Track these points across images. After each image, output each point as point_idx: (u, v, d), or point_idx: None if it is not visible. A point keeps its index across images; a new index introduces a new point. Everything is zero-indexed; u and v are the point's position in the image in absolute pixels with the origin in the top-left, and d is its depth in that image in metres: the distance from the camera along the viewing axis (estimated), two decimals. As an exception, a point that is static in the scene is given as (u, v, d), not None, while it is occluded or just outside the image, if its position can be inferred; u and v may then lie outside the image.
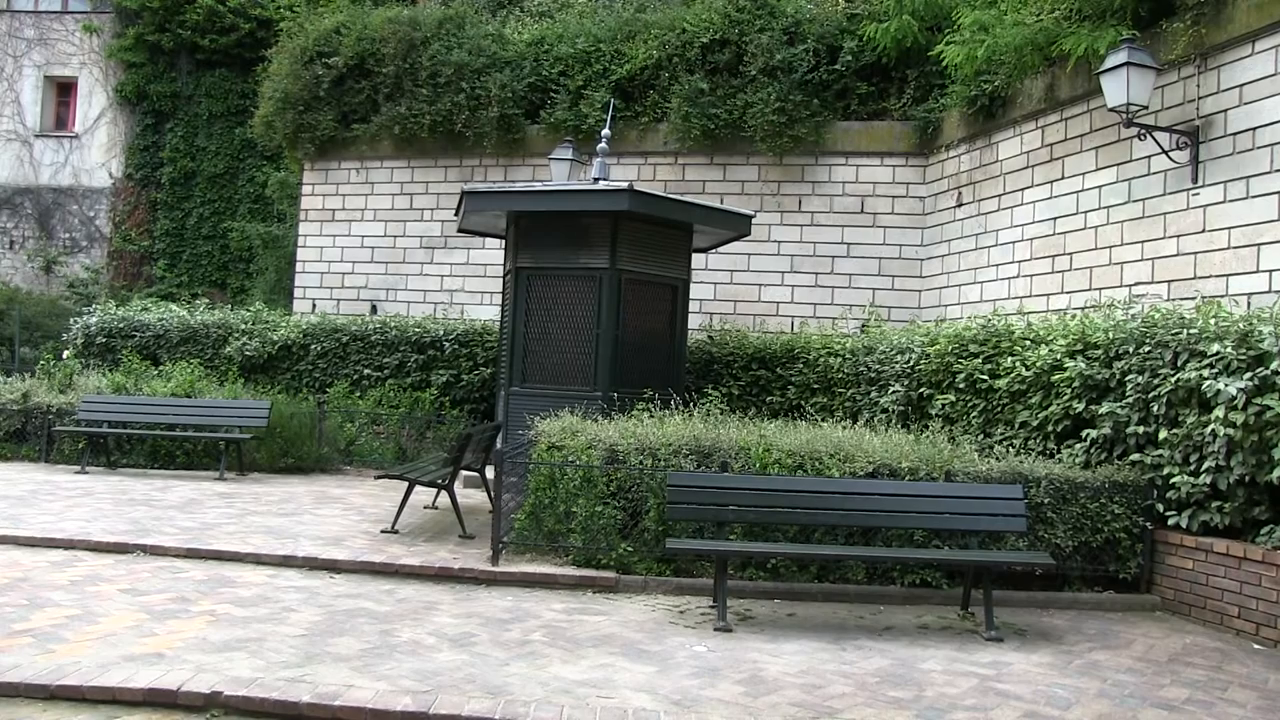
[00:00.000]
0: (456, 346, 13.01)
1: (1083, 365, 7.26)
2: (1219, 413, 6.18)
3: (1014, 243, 11.05)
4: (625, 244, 9.65)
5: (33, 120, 24.23)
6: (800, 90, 12.98)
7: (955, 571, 6.86)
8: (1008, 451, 7.49)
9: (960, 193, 12.19)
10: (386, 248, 15.40)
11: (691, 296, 11.39)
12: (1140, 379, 6.89)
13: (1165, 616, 6.70)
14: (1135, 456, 6.98)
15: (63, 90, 24.65)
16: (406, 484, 8.42)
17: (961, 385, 8.50)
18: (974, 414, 8.36)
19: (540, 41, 14.67)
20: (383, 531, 8.14)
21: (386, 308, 15.14)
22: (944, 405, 8.68)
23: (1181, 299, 8.44)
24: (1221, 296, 7.98)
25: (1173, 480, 6.66)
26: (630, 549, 6.93)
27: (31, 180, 24.15)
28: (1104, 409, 7.11)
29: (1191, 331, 6.62)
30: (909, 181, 13.11)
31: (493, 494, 7.38)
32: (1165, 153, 8.72)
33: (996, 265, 11.35)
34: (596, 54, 14.17)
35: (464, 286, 14.95)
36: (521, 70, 14.49)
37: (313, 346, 13.53)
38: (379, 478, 8.47)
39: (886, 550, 6.62)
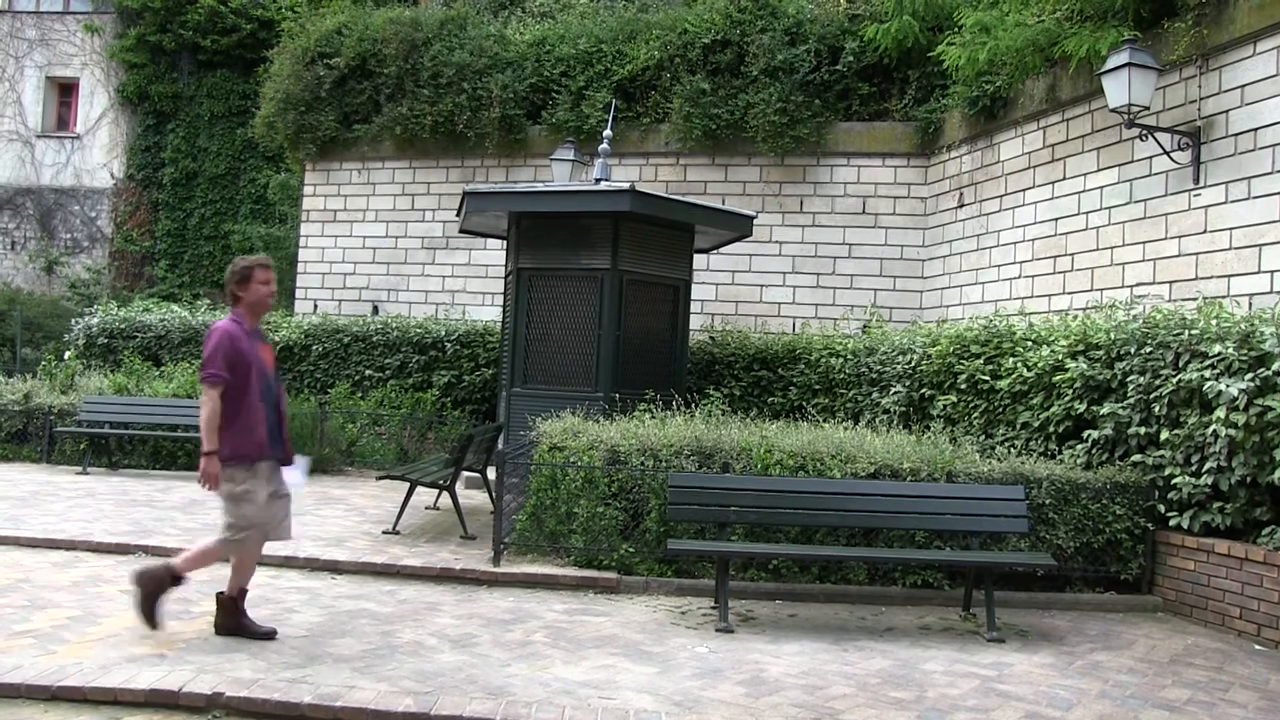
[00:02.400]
0: (458, 347, 13.01)
1: (1084, 366, 7.26)
2: (1220, 413, 6.18)
3: (1015, 243, 11.05)
4: (627, 245, 9.65)
5: (34, 121, 24.25)
6: (802, 91, 12.99)
7: (957, 572, 6.86)
8: (1009, 452, 7.49)
9: (962, 193, 12.19)
10: (388, 248, 15.41)
11: (693, 297, 11.40)
12: (1142, 380, 6.88)
13: (1167, 617, 6.70)
14: (1137, 457, 6.98)
15: (64, 91, 24.66)
16: (408, 485, 8.42)
17: (963, 386, 8.50)
18: (975, 415, 8.36)
19: (542, 42, 14.68)
20: (384, 532, 8.15)
21: (388, 308, 15.15)
22: (945, 406, 8.67)
23: (1183, 300, 8.44)
24: (1223, 297, 7.98)
25: (1174, 481, 6.66)
26: (632, 550, 6.93)
27: (33, 181, 24.17)
28: (1105, 410, 7.11)
29: (1193, 332, 6.62)
30: (910, 182, 13.11)
31: (494, 495, 7.38)
32: (1167, 153, 8.72)
33: (998, 266, 11.35)
34: (598, 54, 14.18)
35: (465, 287, 14.95)
36: (523, 71, 14.49)
37: (314, 347, 13.54)
38: (380, 478, 8.47)
39: (888, 551, 6.63)
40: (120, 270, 23.61)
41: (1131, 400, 6.97)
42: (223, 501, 5.21)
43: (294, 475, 5.48)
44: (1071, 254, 10.11)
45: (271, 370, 5.40)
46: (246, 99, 22.29)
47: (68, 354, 13.83)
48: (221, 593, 5.24)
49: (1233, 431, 6.11)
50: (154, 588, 5.09)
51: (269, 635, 5.16)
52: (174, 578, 5.14)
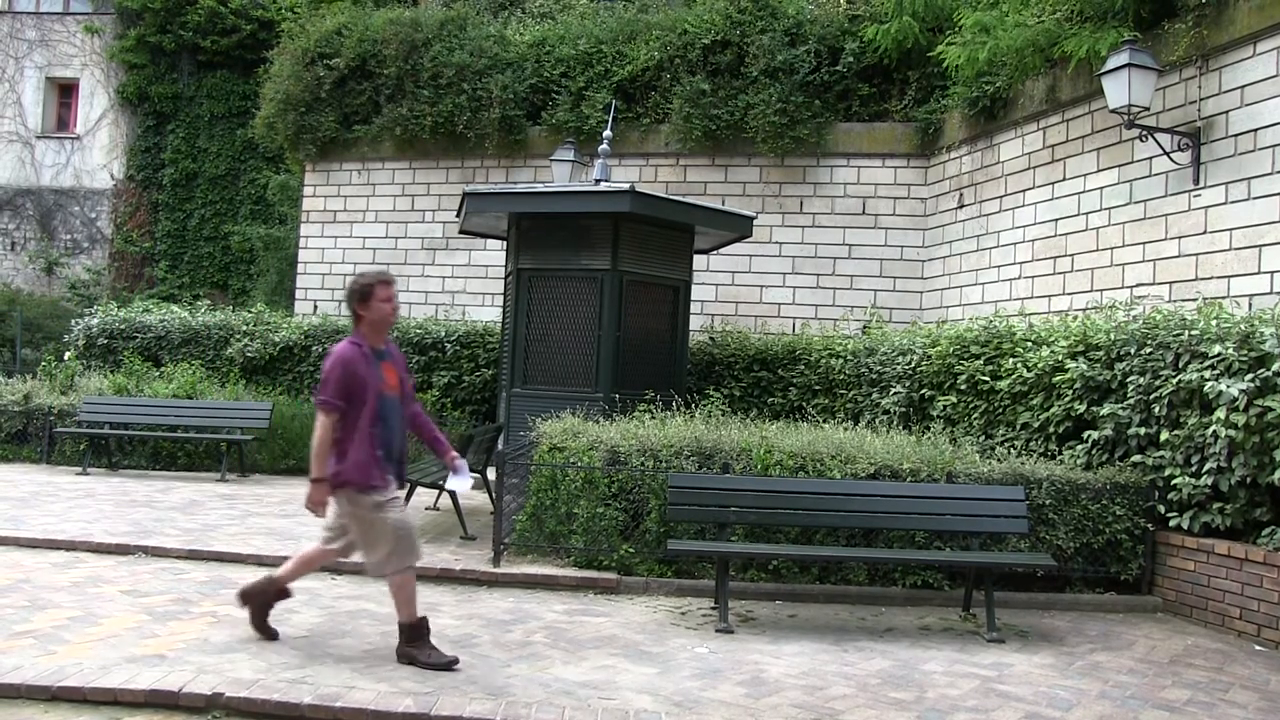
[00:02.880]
0: (458, 348, 13.01)
1: (1084, 366, 7.26)
2: (1220, 414, 6.18)
3: (1015, 244, 11.05)
4: (627, 245, 9.64)
5: (34, 122, 24.24)
6: (802, 91, 12.99)
7: (957, 573, 6.86)
8: (1009, 453, 7.49)
9: (962, 194, 12.20)
10: (388, 249, 15.41)
11: (693, 298, 11.40)
12: (1142, 380, 6.89)
13: (1167, 618, 6.70)
14: (1137, 458, 6.98)
15: (64, 91, 24.64)
16: (407, 485, 8.41)
17: (963, 387, 8.50)
18: (975, 415, 8.36)
19: (542, 43, 14.68)
20: (384, 533, 8.13)
21: (388, 309, 15.11)
22: (945, 406, 8.67)
23: (1183, 300, 8.44)
24: (1223, 298, 7.98)
25: (1174, 482, 6.66)
26: (632, 550, 6.93)
27: (33, 182, 24.16)
28: (1105, 410, 7.11)
29: (1193, 333, 6.62)
30: (910, 183, 13.11)
31: (494, 495, 7.38)
32: (1167, 154, 8.72)
33: (998, 266, 11.35)
34: (598, 55, 14.19)
35: (465, 288, 14.95)
36: (523, 71, 14.50)
37: (314, 348, 13.52)
38: (380, 479, 8.45)
39: (888, 552, 6.63)
40: (120, 271, 23.60)
41: (1131, 401, 6.97)
42: (356, 528, 5.03)
43: (462, 481, 5.44)
44: (1071, 254, 10.11)
45: (397, 390, 5.12)
46: (246, 100, 22.28)
47: (67, 355, 13.83)
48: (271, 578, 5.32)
49: (1233, 432, 6.11)
50: (416, 640, 4.98)
51: (271, 636, 5.18)
52: (415, 630, 4.98)
